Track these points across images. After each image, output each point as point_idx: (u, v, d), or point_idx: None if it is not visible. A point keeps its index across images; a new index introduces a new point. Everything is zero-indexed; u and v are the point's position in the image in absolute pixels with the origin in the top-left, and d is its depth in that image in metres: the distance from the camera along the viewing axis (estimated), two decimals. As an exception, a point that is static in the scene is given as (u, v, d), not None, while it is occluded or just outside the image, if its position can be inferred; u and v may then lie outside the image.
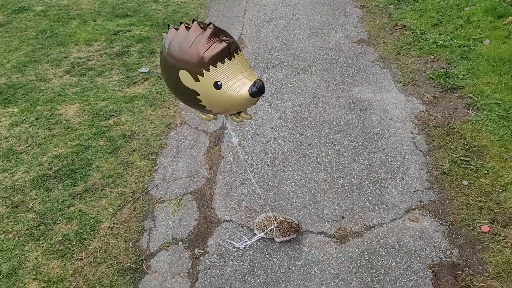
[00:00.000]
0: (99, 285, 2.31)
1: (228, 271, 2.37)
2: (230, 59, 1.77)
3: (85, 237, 2.59)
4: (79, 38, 5.09)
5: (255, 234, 2.53)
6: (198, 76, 1.76)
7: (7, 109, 3.81)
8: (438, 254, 2.40)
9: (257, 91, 1.77)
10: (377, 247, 2.46)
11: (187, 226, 2.65)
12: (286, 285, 2.28)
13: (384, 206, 2.72)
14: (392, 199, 2.76)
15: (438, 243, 2.46)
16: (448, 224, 2.57)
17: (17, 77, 4.32)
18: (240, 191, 2.89)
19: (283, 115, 3.63)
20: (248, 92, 1.77)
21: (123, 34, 5.17)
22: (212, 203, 2.81)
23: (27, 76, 4.34)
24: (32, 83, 4.21)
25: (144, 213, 2.75)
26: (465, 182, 2.83)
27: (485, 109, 3.47)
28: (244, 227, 2.62)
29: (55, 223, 2.68)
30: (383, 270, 2.33)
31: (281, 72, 4.28)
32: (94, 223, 2.67)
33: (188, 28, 1.79)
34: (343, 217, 2.66)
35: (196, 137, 3.43)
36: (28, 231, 2.64)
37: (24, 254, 2.49)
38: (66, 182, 2.99)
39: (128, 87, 4.09)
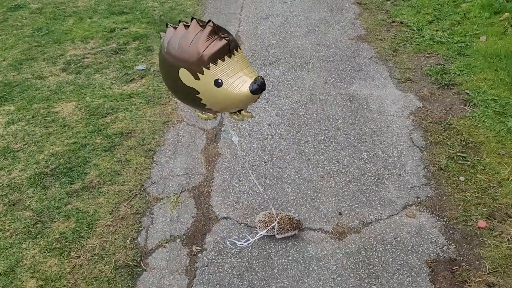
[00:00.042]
0: (96, 282, 2.31)
1: (226, 268, 2.37)
2: (230, 57, 1.75)
3: (82, 235, 2.58)
4: (75, 36, 5.07)
5: (257, 232, 2.52)
6: (198, 74, 1.75)
7: (3, 107, 3.80)
8: (435, 250, 2.41)
9: (258, 88, 1.76)
10: (375, 243, 2.47)
11: (185, 223, 2.65)
12: (284, 282, 2.28)
13: (381, 202, 2.73)
14: (389, 195, 2.77)
15: (435, 239, 2.47)
16: (445, 219, 2.58)
17: (13, 75, 4.30)
18: (237, 188, 2.89)
19: (280, 112, 3.63)
20: (249, 89, 1.75)
21: (120, 31, 5.15)
22: (210, 200, 2.81)
23: (23, 74, 4.32)
24: (28, 81, 4.20)
25: (141, 210, 2.75)
26: (462, 178, 2.84)
27: (481, 105, 3.48)
28: (242, 224, 2.63)
29: (52, 221, 2.67)
30: (380, 266, 2.34)
31: (278, 69, 4.28)
32: (91, 221, 2.67)
33: (187, 26, 1.78)
34: (340, 214, 2.67)
35: (193, 134, 3.43)
36: (25, 229, 2.63)
37: (21, 252, 2.49)
38: (63, 180, 2.98)
39: (125, 85, 4.08)
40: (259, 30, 5.16)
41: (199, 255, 2.45)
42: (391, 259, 2.37)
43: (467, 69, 3.99)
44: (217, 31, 1.73)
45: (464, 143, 3.12)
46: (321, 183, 2.89)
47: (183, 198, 2.83)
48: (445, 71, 4.01)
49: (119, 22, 5.38)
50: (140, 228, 2.62)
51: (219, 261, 2.41)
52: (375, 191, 2.81)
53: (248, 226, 2.61)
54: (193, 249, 2.49)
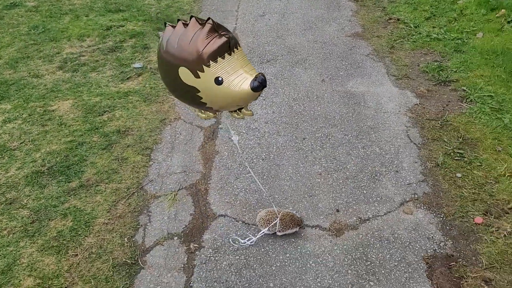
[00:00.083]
0: (94, 280, 2.31)
1: (223, 265, 2.37)
2: (230, 54, 1.74)
3: (80, 233, 2.58)
4: (71, 34, 5.05)
5: (257, 230, 2.52)
6: (198, 72, 1.73)
7: (-1, 106, 3.79)
8: (432, 246, 2.41)
9: (259, 85, 1.74)
10: (372, 239, 2.48)
11: (183, 221, 2.65)
12: (281, 278, 2.29)
13: (378, 199, 2.73)
14: (387, 192, 2.78)
15: (432, 235, 2.48)
16: (442, 216, 2.59)
17: (9, 74, 4.28)
18: (235, 186, 2.89)
19: (278, 110, 3.63)
20: (249, 87, 1.74)
21: (116, 29, 5.14)
22: (207, 198, 2.81)
23: (19, 72, 4.30)
24: (25, 79, 4.18)
25: (139, 208, 2.75)
26: (458, 175, 2.85)
27: (478, 102, 3.49)
28: (240, 221, 2.63)
29: (49, 220, 2.67)
30: (377, 262, 2.35)
31: (275, 66, 4.28)
32: (89, 219, 2.66)
33: (186, 25, 1.77)
34: (338, 210, 2.67)
35: (190, 132, 3.42)
36: (22, 228, 2.63)
37: (19, 251, 2.49)
38: (60, 178, 2.97)
39: (121, 83, 4.07)
40: (256, 27, 5.16)
41: (197, 252, 2.45)
42: (388, 256, 2.38)
43: (463, 65, 4.00)
44: (217, 28, 1.71)
45: (461, 139, 3.13)
46: (319, 180, 2.90)
47: (180, 196, 2.83)
48: (442, 68, 4.01)
49: (116, 20, 5.37)
50: (138, 226, 2.62)
51: (217, 258, 2.41)
52: (372, 188, 2.82)
53: (246, 224, 2.61)
54: (191, 246, 2.49)
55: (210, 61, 1.71)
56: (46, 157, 3.16)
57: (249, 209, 2.70)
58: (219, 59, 1.72)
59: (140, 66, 4.33)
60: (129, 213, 2.71)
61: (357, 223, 2.59)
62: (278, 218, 2.44)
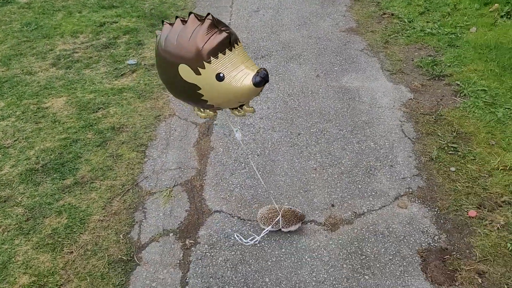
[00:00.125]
0: (90, 277, 2.31)
1: (219, 261, 2.38)
2: (231, 50, 1.73)
3: (75, 230, 2.58)
4: (64, 30, 5.01)
5: (262, 228, 2.51)
6: (199, 69, 1.72)
7: (-8, 103, 3.76)
8: (426, 240, 2.43)
9: (261, 80, 1.73)
10: (367, 234, 2.49)
11: (178, 217, 2.65)
12: (277, 273, 2.30)
13: (373, 193, 2.75)
14: (381, 186, 2.79)
15: (426, 229, 2.49)
16: (436, 210, 2.61)
17: (2, 71, 4.25)
18: (230, 182, 2.89)
19: (273, 105, 3.63)
20: (252, 82, 1.73)
21: (110, 25, 5.11)
22: (203, 194, 2.81)
23: (12, 69, 4.27)
24: (18, 76, 4.15)
25: (134, 205, 2.74)
26: (452, 168, 2.86)
27: (472, 96, 3.51)
28: (235, 217, 2.63)
29: (44, 217, 2.66)
30: (372, 256, 2.36)
31: (270, 62, 4.27)
32: (84, 216, 2.66)
33: (184, 21, 1.75)
34: (333, 205, 2.68)
35: (185, 128, 3.42)
36: (17, 226, 2.62)
37: (14, 249, 2.48)
38: (54, 175, 2.96)
39: (115, 79, 4.05)
40: (250, 23, 5.15)
41: (192, 248, 2.46)
42: (383, 250, 2.39)
43: (457, 60, 4.02)
44: (217, 24, 1.69)
45: (454, 133, 3.15)
46: (314, 175, 2.90)
47: (175, 192, 2.83)
48: (436, 62, 4.02)
49: (109, 16, 5.33)
50: (133, 223, 2.62)
51: (212, 254, 2.42)
52: (367, 182, 2.83)
53: (241, 219, 2.61)
54: (187, 242, 2.49)
55: (211, 57, 1.69)
56: (40, 154, 3.15)
57: (245, 205, 2.70)
58: (220, 54, 1.70)
59: (134, 62, 4.31)
60: (125, 210, 2.70)
61: (352, 217, 2.60)
62: (280, 215, 2.44)
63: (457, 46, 4.23)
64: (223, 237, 2.51)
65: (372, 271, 2.29)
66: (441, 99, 3.55)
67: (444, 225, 2.51)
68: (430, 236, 2.45)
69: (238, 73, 1.74)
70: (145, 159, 3.11)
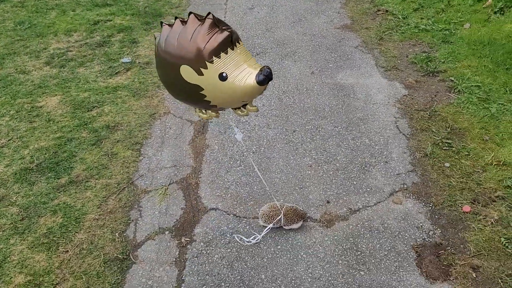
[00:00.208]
0: (85, 276, 2.30)
1: (215, 258, 2.38)
2: (233, 49, 1.71)
3: (70, 229, 2.57)
4: (58, 29, 4.98)
5: (264, 226, 2.51)
6: (201, 69, 1.70)
7: (-14, 103, 3.74)
8: (421, 235, 2.45)
9: (265, 78, 1.71)
10: (362, 230, 2.50)
11: (174, 215, 2.65)
12: (273, 270, 2.30)
13: (368, 189, 2.76)
14: (376, 182, 2.80)
15: (421, 224, 2.51)
16: (430, 205, 2.62)
17: (-5, 70, 4.22)
18: (226, 179, 2.89)
19: (268, 102, 3.63)
20: (255, 81, 1.71)
21: (104, 23, 5.08)
22: (198, 192, 2.81)
23: (6, 68, 4.25)
24: (12, 75, 4.13)
25: (130, 203, 2.74)
26: (447, 164, 2.88)
27: (466, 92, 3.52)
28: (231, 215, 2.64)
29: (39, 216, 2.65)
30: (368, 252, 2.37)
31: (265, 59, 4.27)
32: (79, 215, 2.65)
33: (184, 22, 1.73)
34: (328, 202, 2.69)
35: (180, 126, 3.41)
36: (12, 225, 2.61)
37: (9, 248, 2.47)
38: (49, 175, 2.95)
39: (110, 78, 4.04)
40: (245, 20, 5.14)
41: (188, 246, 2.46)
42: (378, 245, 2.40)
43: (451, 56, 4.03)
44: (217, 23, 1.68)
45: (449, 129, 3.16)
46: (309, 172, 2.91)
47: (171, 190, 2.83)
48: (430, 58, 4.04)
49: (103, 14, 5.31)
50: (129, 221, 2.62)
51: (208, 251, 2.42)
52: (362, 178, 2.84)
53: (237, 217, 2.62)
54: (182, 240, 2.49)
55: (213, 57, 1.67)
56: (34, 153, 3.14)
57: (240, 202, 2.71)
58: (222, 54, 1.68)
59: (129, 60, 4.29)
60: (120, 209, 2.70)
61: (348, 214, 2.61)
62: (282, 213, 2.45)
63: (451, 42, 4.25)
64: (219, 235, 2.51)
65: (367, 266, 2.30)
66: (435, 95, 3.57)
67: (439, 221, 2.52)
68: (425, 231, 2.46)
69: (241, 72, 1.72)
70: (140, 157, 3.10)
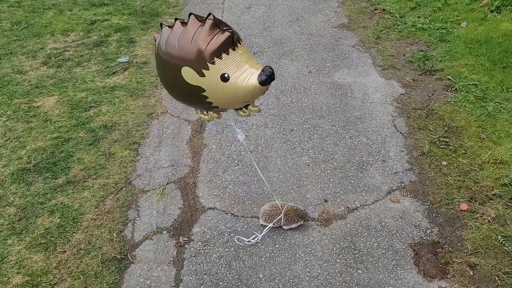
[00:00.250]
0: (83, 276, 2.30)
1: (213, 258, 2.38)
2: (234, 49, 1.70)
3: (67, 229, 2.57)
4: (55, 29, 4.97)
5: (263, 225, 2.50)
6: (202, 71, 1.69)
7: (-17, 103, 3.73)
8: (418, 233, 2.45)
9: (267, 78, 1.71)
10: (360, 228, 2.50)
11: (171, 215, 2.65)
12: (271, 269, 2.31)
13: (366, 188, 2.76)
14: (374, 181, 2.81)
15: (418, 223, 2.51)
16: (428, 203, 2.63)
17: (-8, 70, 4.21)
18: (223, 178, 2.89)
19: (265, 102, 3.64)
20: (257, 81, 1.70)
21: (101, 23, 5.08)
22: (196, 191, 2.81)
23: (2, 68, 4.23)
24: (8, 75, 4.12)
25: (127, 203, 2.74)
26: (444, 162, 2.89)
27: (463, 91, 3.53)
28: (229, 214, 2.64)
29: (36, 217, 2.65)
30: (365, 250, 2.38)
31: (262, 58, 4.27)
32: (76, 215, 2.65)
33: (184, 23, 1.72)
34: (326, 201, 2.69)
35: (178, 125, 3.41)
36: (9, 226, 2.60)
37: (6, 249, 2.47)
38: (46, 175, 2.95)
39: (107, 77, 4.03)
40: (242, 19, 5.14)
41: (186, 246, 2.46)
42: (376, 244, 2.41)
43: (448, 55, 4.04)
44: (218, 24, 1.67)
45: (446, 128, 3.17)
46: (307, 171, 2.91)
47: (169, 190, 2.83)
48: (427, 57, 4.05)
49: (100, 14, 5.30)
50: (127, 221, 2.62)
51: (206, 251, 2.42)
52: (359, 177, 2.84)
53: (235, 216, 2.62)
54: (180, 240, 2.49)
55: (215, 58, 1.66)
56: (31, 154, 3.13)
57: (238, 202, 2.71)
58: (223, 55, 1.67)
59: (126, 60, 4.29)
60: (118, 208, 2.70)
61: (345, 212, 2.61)
62: (283, 213, 2.45)
63: (448, 41, 4.26)
64: (217, 234, 2.51)
65: (365, 265, 2.30)
66: (432, 94, 3.58)
67: (436, 219, 2.53)
68: (422, 229, 2.47)
69: (243, 72, 1.71)
70: (138, 157, 3.10)
